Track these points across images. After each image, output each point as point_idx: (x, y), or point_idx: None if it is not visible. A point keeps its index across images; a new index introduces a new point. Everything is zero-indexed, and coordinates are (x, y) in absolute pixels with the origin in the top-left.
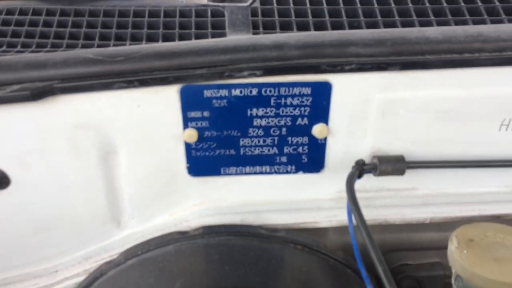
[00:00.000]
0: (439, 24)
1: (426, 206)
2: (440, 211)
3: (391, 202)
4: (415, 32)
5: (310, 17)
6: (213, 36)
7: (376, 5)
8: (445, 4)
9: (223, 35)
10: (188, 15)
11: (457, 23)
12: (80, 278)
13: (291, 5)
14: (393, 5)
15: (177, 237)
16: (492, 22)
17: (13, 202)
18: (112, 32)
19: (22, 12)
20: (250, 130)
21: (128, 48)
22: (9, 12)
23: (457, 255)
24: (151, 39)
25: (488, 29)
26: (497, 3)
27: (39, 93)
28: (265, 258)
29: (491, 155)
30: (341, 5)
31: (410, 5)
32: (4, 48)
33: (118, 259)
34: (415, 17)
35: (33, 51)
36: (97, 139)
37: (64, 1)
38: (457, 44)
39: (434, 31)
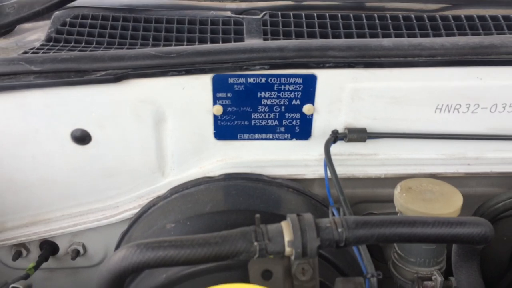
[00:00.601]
0: (396, 36)
1: (383, 166)
2: (392, 169)
3: (357, 163)
4: (374, 41)
5: (305, 28)
6: (235, 40)
7: (352, 21)
8: (401, 21)
9: (241, 39)
10: (217, 23)
11: (409, 36)
12: (135, 210)
13: (292, 18)
14: (364, 20)
15: (207, 180)
16: (434, 35)
17: (91, 154)
18: (161, 35)
19: (94, 17)
20: (259, 107)
21: (178, 48)
22: (84, 17)
23: (398, 197)
24: (190, 40)
25: (425, 41)
26: (439, 21)
27: (118, 77)
28: (267, 195)
29: (429, 130)
30: (327, 20)
31: (377, 21)
32: (83, 44)
33: (165, 194)
34: (379, 30)
35: (105, 48)
36: (153, 110)
37: (125, 10)
38: (403, 50)
39: (388, 41)
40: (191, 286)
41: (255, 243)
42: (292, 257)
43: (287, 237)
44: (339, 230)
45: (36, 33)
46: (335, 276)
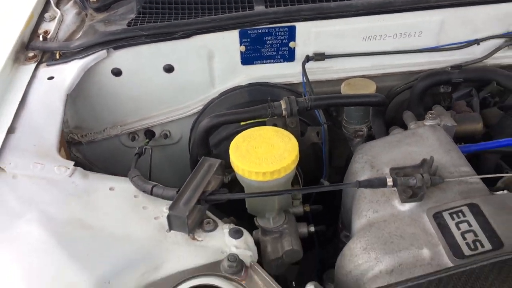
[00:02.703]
0: None
1: (336, 73)
2: (341, 75)
3: (321, 72)
4: (325, 5)
5: None
6: (248, 7)
7: None
8: None
9: (252, 7)
10: None
11: None
12: (200, 108)
13: None
14: None
15: (239, 87)
16: None
17: (173, 78)
18: (205, 6)
19: None
20: (265, 45)
21: (219, 16)
22: None
23: (342, 89)
24: (222, 8)
25: (353, 2)
26: None
27: (189, 35)
28: (273, 92)
29: (360, 51)
30: None
31: None
32: (160, 16)
33: (217, 96)
34: None
35: (175, 17)
36: (207, 51)
37: None
38: (341, 8)
39: (333, 4)
40: None
41: (269, 110)
42: (286, 116)
43: (283, 106)
44: (307, 101)
45: (122, 8)
46: None
